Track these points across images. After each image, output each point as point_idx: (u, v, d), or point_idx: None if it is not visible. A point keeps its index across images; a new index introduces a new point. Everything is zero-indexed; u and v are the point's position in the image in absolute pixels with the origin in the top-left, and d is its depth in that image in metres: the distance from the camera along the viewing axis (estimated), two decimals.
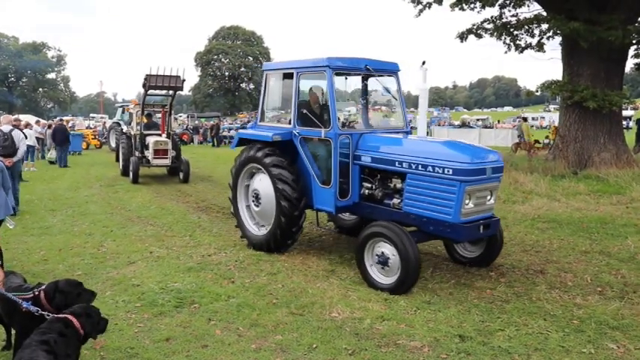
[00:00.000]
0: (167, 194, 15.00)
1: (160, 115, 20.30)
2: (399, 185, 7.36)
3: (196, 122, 49.12)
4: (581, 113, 17.05)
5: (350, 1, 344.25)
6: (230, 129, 43.94)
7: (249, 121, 50.18)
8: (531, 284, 6.91)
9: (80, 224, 10.86)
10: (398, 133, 8.27)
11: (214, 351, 5.03)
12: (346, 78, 8.79)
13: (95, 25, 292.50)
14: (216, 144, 37.98)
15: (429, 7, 19.44)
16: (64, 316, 3.92)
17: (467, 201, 6.56)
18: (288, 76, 8.52)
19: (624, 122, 26.61)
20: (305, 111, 7.95)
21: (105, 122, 52.15)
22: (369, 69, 8.13)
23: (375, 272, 6.84)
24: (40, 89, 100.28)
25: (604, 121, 16.98)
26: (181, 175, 18.13)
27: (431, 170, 6.71)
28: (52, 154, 24.48)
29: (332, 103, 7.53)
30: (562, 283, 6.98)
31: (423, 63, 9.62)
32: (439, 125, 54.43)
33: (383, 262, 6.69)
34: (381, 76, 8.54)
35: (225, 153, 29.26)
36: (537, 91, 20.87)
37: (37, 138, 25.05)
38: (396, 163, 7.17)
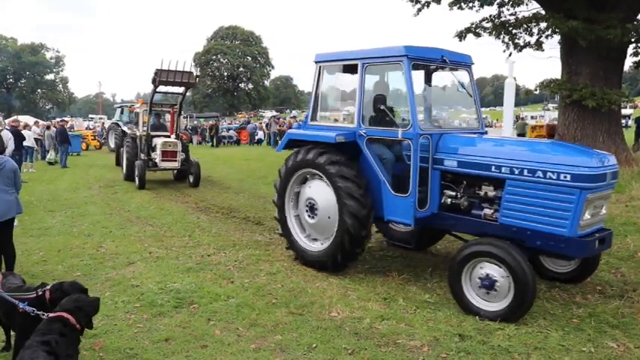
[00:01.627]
0: (166, 195, 14.98)
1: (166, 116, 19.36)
2: (491, 193, 6.39)
3: (195, 122, 49.11)
4: (580, 112, 17.04)
5: (349, 1, 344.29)
6: (229, 129, 43.93)
7: (248, 122, 50.17)
8: None
9: (79, 225, 10.85)
10: (474, 134, 7.31)
11: (214, 351, 5.03)
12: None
13: (94, 25, 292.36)
14: (215, 144, 37.94)
15: (428, 7, 19.40)
16: (59, 314, 3.91)
17: (585, 211, 5.66)
18: (349, 68, 7.59)
19: (623, 121, 26.64)
20: (383, 107, 6.89)
21: (103, 123, 52.10)
22: (445, 60, 7.17)
23: (475, 297, 5.90)
24: (39, 90, 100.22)
25: (603, 120, 16.97)
26: (191, 178, 16.92)
27: (541, 176, 5.74)
28: (51, 156, 24.47)
29: (411, 99, 6.56)
30: (561, 281, 6.97)
31: (510, 55, 8.89)
32: None
33: (488, 285, 5.74)
34: (455, 69, 7.58)
35: (224, 153, 29.28)
36: (536, 90, 20.87)
37: (36, 139, 25.05)
38: (492, 167, 6.19)
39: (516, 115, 61.01)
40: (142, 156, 16.94)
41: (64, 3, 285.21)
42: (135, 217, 11.68)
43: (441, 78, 8.03)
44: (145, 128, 17.28)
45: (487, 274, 5.75)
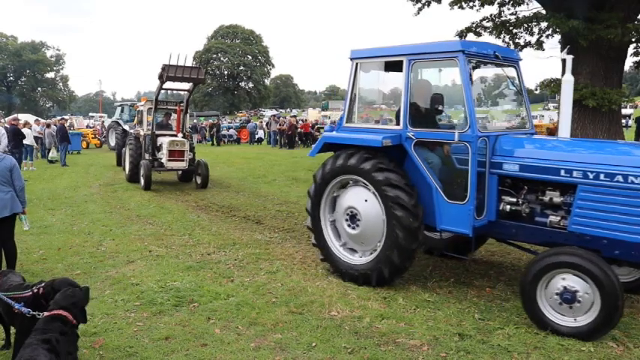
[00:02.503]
0: (166, 193, 14.98)
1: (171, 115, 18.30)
2: (557, 199, 5.91)
3: (194, 121, 49.13)
4: (580, 111, 17.04)
5: (349, 0, 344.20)
6: (229, 127, 43.95)
7: (248, 121, 50.18)
8: None
9: (79, 223, 10.85)
10: (524, 134, 6.88)
11: (213, 350, 5.03)
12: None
13: (94, 24, 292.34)
14: (215, 143, 37.95)
15: (428, 6, 19.40)
16: (57, 312, 3.91)
17: None
18: (392, 65, 7.11)
19: (623, 120, 26.67)
20: (440, 107, 6.48)
21: (103, 121, 52.08)
22: (497, 56, 6.69)
23: (552, 312, 5.41)
24: (39, 89, 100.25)
25: (603, 120, 16.98)
26: (199, 179, 16.21)
27: (621, 181, 5.29)
28: (52, 154, 24.48)
29: (469, 98, 6.06)
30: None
31: (567, 50, 8.15)
32: None
33: (569, 299, 5.26)
34: (505, 65, 7.06)
35: (224, 152, 29.29)
36: (536, 90, 20.88)
37: (36, 137, 25.06)
38: (562, 171, 5.71)
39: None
40: (147, 156, 16.31)
41: (65, 4, 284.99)
42: (135, 216, 11.68)
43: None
44: (150, 127, 16.61)
45: (566, 287, 5.28)
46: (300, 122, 38.31)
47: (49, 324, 3.80)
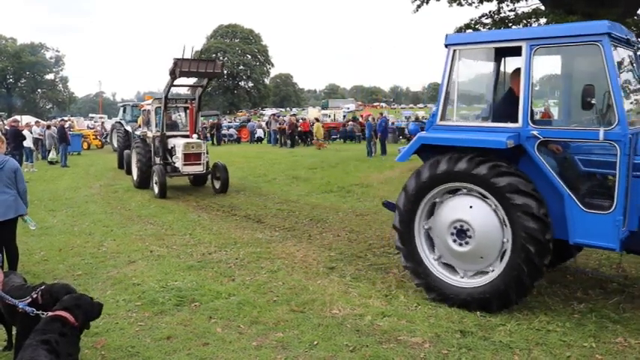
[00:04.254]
0: (167, 193, 14.96)
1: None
2: None
3: None
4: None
5: None
6: (230, 127, 43.94)
7: (248, 120, 50.18)
8: None
9: (80, 224, 10.86)
10: None
11: (215, 349, 5.03)
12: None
13: (94, 24, 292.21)
14: (216, 142, 37.97)
15: (427, 3, 19.41)
16: (57, 313, 3.92)
17: None
18: (504, 52, 6.32)
19: None
20: (592, 100, 5.20)
21: (103, 122, 52.03)
22: (629, 41, 5.79)
23: None
24: (39, 90, 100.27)
25: None
26: (217, 183, 14.89)
27: None
28: (53, 155, 24.50)
29: (617, 89, 5.17)
30: (563, 277, 6.97)
31: None
32: None
33: None
34: (632, 49, 6.02)
35: (224, 151, 29.25)
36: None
37: (36, 139, 25.07)
38: None
39: None
40: (158, 160, 15.03)
41: (65, 4, 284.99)
42: (136, 216, 11.69)
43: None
44: (159, 128, 15.08)
45: None
46: (300, 121, 38.31)
47: (49, 325, 3.80)
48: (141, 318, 5.80)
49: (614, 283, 6.69)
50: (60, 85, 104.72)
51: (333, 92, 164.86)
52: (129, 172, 18.49)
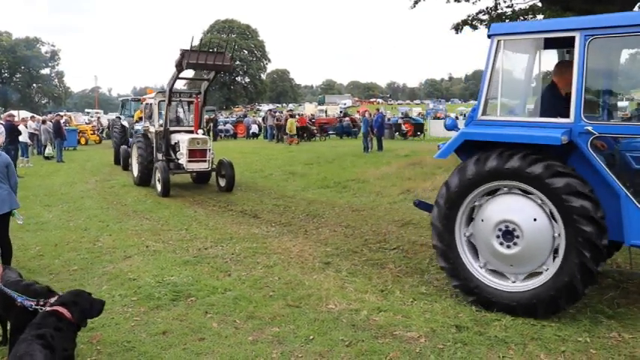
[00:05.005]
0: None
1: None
2: None
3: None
4: None
5: None
6: (226, 122, 43.89)
7: (245, 115, 50.11)
8: None
9: (76, 219, 10.83)
10: None
11: (211, 344, 5.03)
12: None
13: (91, 20, 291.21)
14: (212, 138, 37.91)
15: None
16: (54, 309, 3.93)
17: None
18: (554, 42, 5.94)
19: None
20: None
21: (99, 117, 51.88)
22: None
23: None
24: (34, 85, 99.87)
25: None
26: (222, 181, 14.39)
27: None
28: (49, 150, 24.43)
29: None
30: None
31: None
32: (437, 118, 54.16)
33: None
34: None
35: (221, 147, 29.16)
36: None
37: (32, 134, 24.99)
38: None
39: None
40: (160, 156, 14.56)
41: (62, 3, 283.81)
42: (132, 211, 11.67)
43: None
44: (162, 123, 14.57)
45: None
46: (297, 116, 38.31)
47: (45, 319, 3.80)
48: (137, 313, 5.80)
49: (609, 279, 6.71)
50: (55, 80, 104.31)
51: (329, 88, 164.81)
52: (126, 168, 18.46)
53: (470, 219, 5.88)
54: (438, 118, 52.29)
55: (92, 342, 5.08)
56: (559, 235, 5.29)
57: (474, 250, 5.88)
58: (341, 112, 55.23)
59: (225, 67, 13.71)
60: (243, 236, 9.18)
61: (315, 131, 36.48)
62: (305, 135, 35.05)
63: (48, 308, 3.96)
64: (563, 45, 5.84)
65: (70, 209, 11.95)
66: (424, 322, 5.44)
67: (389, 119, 39.35)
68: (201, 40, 16.33)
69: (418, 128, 37.55)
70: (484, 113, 5.92)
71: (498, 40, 5.77)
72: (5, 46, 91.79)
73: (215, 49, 13.33)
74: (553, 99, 5.75)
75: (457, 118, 38.52)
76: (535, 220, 5.37)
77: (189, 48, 12.83)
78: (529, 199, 5.45)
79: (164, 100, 14.39)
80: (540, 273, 5.47)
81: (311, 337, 5.14)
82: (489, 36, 5.87)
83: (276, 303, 6.01)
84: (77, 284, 6.60)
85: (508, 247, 5.50)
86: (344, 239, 8.93)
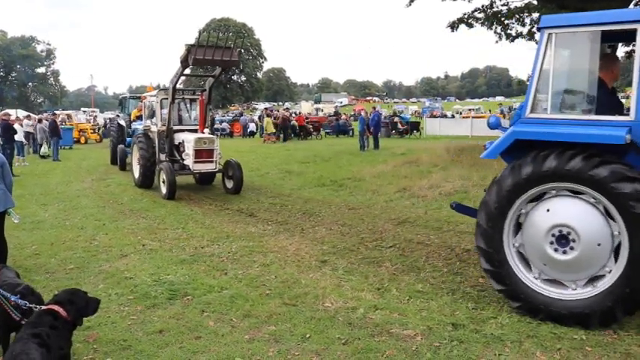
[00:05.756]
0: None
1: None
2: None
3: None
4: None
5: None
6: (222, 121, 43.86)
7: (241, 114, 50.08)
8: None
9: (72, 218, 10.81)
10: None
11: (208, 342, 5.04)
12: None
13: (85, 18, 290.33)
14: None
15: None
16: (49, 307, 3.93)
17: None
18: (612, 36, 5.54)
19: None
20: None
21: (96, 116, 51.80)
22: None
23: None
24: (30, 84, 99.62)
25: None
26: (229, 183, 13.75)
27: None
28: (44, 149, 24.38)
29: None
30: None
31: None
32: (433, 116, 54.26)
33: None
34: None
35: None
36: (528, 81, 20.98)
37: (28, 132, 24.93)
38: None
39: (509, 107, 61.13)
40: (163, 157, 13.97)
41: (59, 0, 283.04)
42: (128, 210, 11.66)
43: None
44: (165, 122, 14.01)
45: None
46: (294, 115, 38.32)
47: (40, 318, 3.80)
48: (133, 312, 5.79)
49: None
50: (51, 79, 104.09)
51: (326, 86, 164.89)
52: (123, 168, 18.26)
53: (517, 227, 5.55)
54: (434, 117, 52.41)
55: (88, 341, 5.08)
56: (618, 233, 4.99)
57: (524, 260, 5.54)
58: (336, 110, 55.31)
59: (233, 63, 13.18)
60: (239, 235, 9.17)
61: (312, 129, 36.58)
62: (302, 134, 35.11)
63: (44, 307, 3.95)
64: (623, 38, 5.43)
65: (66, 208, 11.93)
66: (420, 320, 5.45)
67: (385, 117, 39.42)
68: (197, 39, 15.99)
69: (414, 126, 37.60)
70: (533, 111, 5.57)
71: (549, 34, 5.43)
72: (0, 44, 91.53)
73: (224, 44, 12.85)
74: (602, 95, 5.47)
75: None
76: (591, 220, 5.07)
77: (195, 43, 12.46)
78: (580, 200, 5.17)
79: (167, 98, 13.80)
80: (603, 276, 5.15)
81: (307, 335, 5.15)
82: (539, 29, 5.55)
83: (273, 301, 6.01)
84: (73, 283, 6.59)
85: (564, 252, 5.19)
86: (340, 237, 8.94)
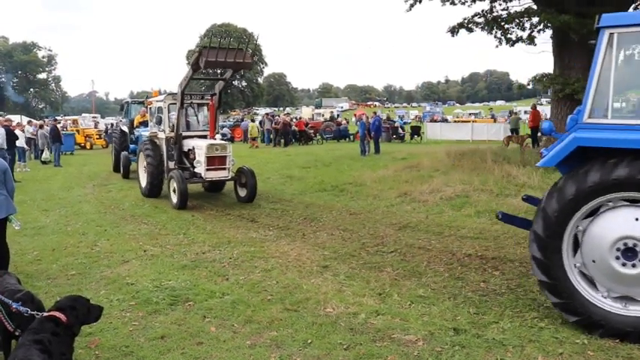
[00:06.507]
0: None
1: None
2: None
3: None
4: (573, 106, 17.07)
5: None
6: (223, 126, 43.88)
7: (242, 119, 50.14)
8: (524, 276, 6.93)
9: (73, 224, 10.83)
10: None
11: (209, 348, 5.04)
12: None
13: (86, 23, 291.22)
14: None
15: (420, 2, 19.46)
16: (51, 314, 3.93)
17: None
18: None
19: None
20: None
21: (97, 122, 51.88)
22: None
23: None
24: (31, 89, 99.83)
25: None
26: (242, 191, 13.20)
27: None
28: (46, 155, 24.42)
29: None
30: None
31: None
32: (434, 121, 54.30)
33: None
34: None
35: None
36: (529, 85, 20.97)
37: (29, 138, 24.98)
38: None
39: (509, 110, 61.15)
40: (172, 164, 13.49)
41: (57, 3, 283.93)
42: (129, 216, 11.67)
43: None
44: (173, 128, 13.48)
45: None
46: (294, 120, 38.36)
47: (42, 324, 3.81)
48: (135, 317, 5.79)
49: None
50: (52, 85, 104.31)
51: (326, 91, 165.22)
52: (126, 176, 18.00)
53: (575, 245, 5.22)
54: (435, 121, 52.43)
55: (90, 347, 5.08)
56: None
57: (588, 280, 5.22)
58: (337, 115, 55.40)
59: (246, 65, 12.61)
60: (240, 240, 9.18)
61: (312, 134, 36.62)
62: (302, 139, 35.16)
63: (46, 314, 3.96)
64: None
65: (68, 214, 11.94)
66: (422, 325, 5.45)
67: (385, 121, 39.42)
68: (209, 40, 15.84)
69: (415, 131, 37.60)
70: (591, 116, 5.18)
71: (610, 33, 5.05)
72: (2, 51, 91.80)
73: (236, 46, 12.48)
74: None
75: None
76: None
77: (206, 45, 12.05)
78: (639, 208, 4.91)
79: (174, 103, 13.32)
80: None
81: (309, 340, 5.15)
82: (599, 28, 5.13)
83: (274, 307, 6.01)
84: (75, 289, 6.60)
85: (633, 265, 4.89)
86: (341, 243, 8.94)
